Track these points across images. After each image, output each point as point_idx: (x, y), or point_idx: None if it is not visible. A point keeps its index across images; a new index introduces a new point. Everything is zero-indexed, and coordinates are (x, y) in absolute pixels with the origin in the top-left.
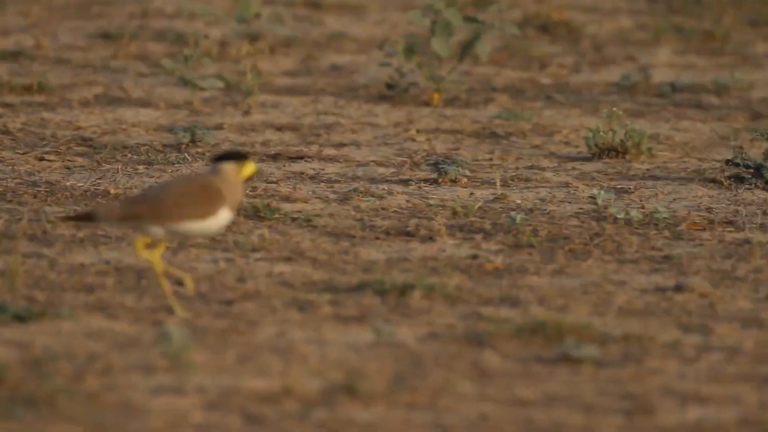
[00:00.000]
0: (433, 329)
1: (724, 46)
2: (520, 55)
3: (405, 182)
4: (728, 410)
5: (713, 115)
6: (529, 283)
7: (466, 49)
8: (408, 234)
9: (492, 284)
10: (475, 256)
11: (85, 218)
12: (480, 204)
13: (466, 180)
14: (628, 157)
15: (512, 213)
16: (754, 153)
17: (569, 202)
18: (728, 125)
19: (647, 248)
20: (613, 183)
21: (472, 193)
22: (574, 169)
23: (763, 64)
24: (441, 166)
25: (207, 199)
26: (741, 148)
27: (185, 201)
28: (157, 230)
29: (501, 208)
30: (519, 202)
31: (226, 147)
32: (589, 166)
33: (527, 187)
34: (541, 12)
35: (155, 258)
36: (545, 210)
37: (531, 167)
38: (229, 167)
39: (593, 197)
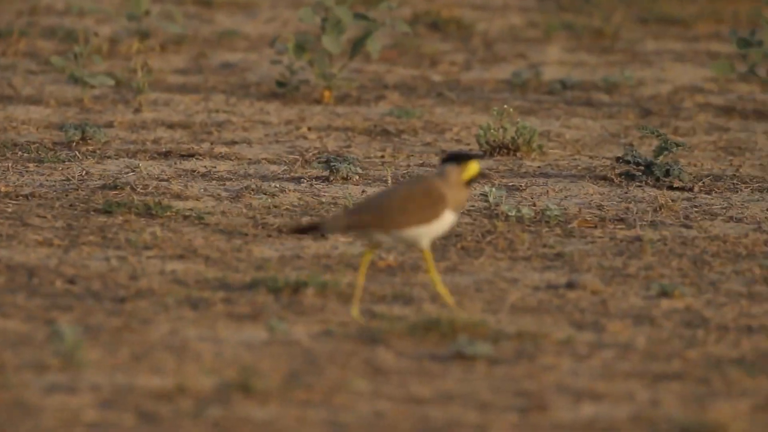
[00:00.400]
0: (327, 327)
1: (614, 43)
2: (411, 52)
3: (297, 180)
4: (621, 407)
5: (603, 113)
6: (422, 281)
7: (356, 47)
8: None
9: (385, 282)
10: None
11: (312, 230)
12: None
13: (357, 177)
14: (519, 154)
15: None
16: (644, 150)
17: None
18: (618, 123)
19: (539, 246)
20: (504, 180)
21: (364, 191)
22: None
23: (652, 61)
24: (333, 163)
25: (431, 203)
26: (631, 145)
27: (410, 207)
28: (384, 238)
29: None
30: None
31: (454, 149)
32: (480, 164)
33: None
34: (431, 9)
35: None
36: None
37: (422, 164)
38: (451, 169)
39: (485, 195)
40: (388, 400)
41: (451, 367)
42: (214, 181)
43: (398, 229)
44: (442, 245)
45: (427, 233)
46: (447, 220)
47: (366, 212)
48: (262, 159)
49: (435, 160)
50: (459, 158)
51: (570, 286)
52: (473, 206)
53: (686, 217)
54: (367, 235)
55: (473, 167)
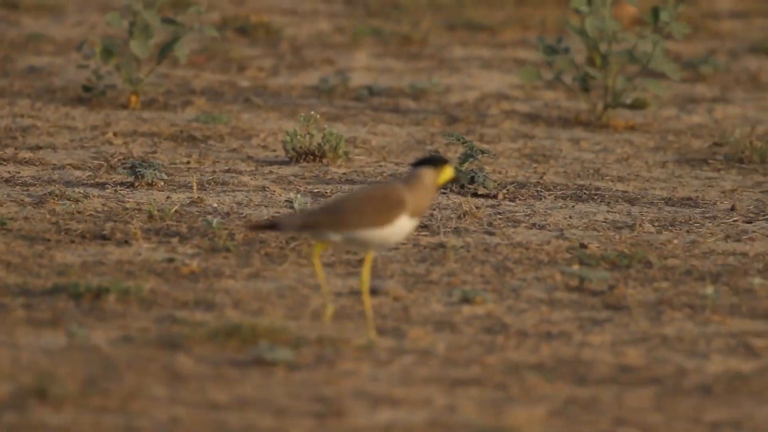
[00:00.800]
0: (128, 333)
1: (422, 50)
2: (219, 57)
3: (101, 186)
4: (418, 412)
5: (410, 120)
6: (225, 287)
7: (164, 52)
8: (104, 237)
9: (188, 288)
10: (171, 260)
11: (268, 227)
12: (177, 207)
13: (162, 183)
14: (325, 161)
15: (209, 217)
16: (450, 157)
17: (266, 206)
18: (425, 129)
19: (343, 252)
20: (310, 187)
21: (168, 197)
22: (271, 173)
23: (459, 68)
24: (138, 169)
25: (387, 207)
26: (437, 152)
27: (365, 209)
28: (336, 238)
29: (197, 211)
30: (216, 205)
31: (426, 153)
32: (286, 170)
33: (224, 191)
34: (239, 14)
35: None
36: (242, 214)
37: (228, 171)
38: (426, 172)
39: (290, 201)
40: (185, 405)
41: (250, 373)
42: (17, 187)
43: (350, 230)
44: (246, 251)
45: (379, 237)
46: (402, 225)
47: (322, 212)
48: (67, 164)
49: (242, 165)
50: (435, 162)
51: (373, 292)
52: (278, 213)
53: (490, 224)
54: (321, 234)
55: (448, 171)
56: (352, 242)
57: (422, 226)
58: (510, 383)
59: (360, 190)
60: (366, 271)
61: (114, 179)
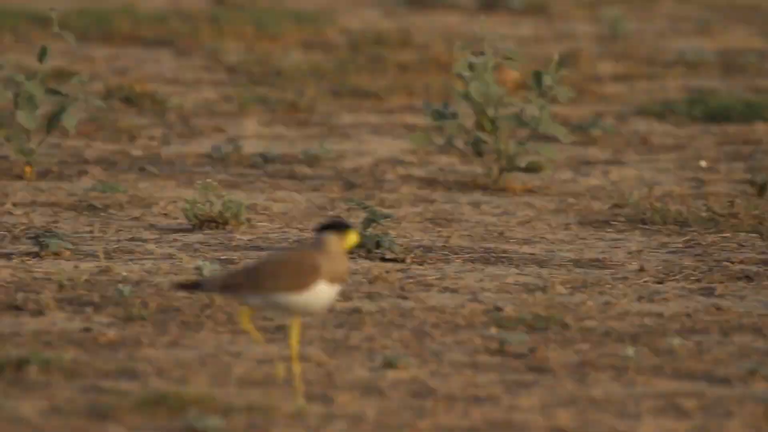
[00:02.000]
0: (54, 403)
1: (310, 116)
2: (108, 127)
3: (7, 256)
4: None
5: (308, 186)
6: (146, 355)
7: (52, 122)
8: (17, 308)
9: (108, 357)
10: (87, 329)
11: (193, 287)
12: (86, 277)
13: (69, 253)
14: (228, 227)
15: (120, 285)
16: (353, 222)
17: (175, 274)
18: (323, 195)
19: (259, 318)
20: (217, 254)
21: (76, 266)
22: (176, 240)
23: (349, 134)
24: (42, 239)
25: (302, 272)
26: (339, 217)
27: (282, 272)
28: (256, 301)
29: (107, 280)
30: (125, 274)
31: (327, 218)
32: (191, 237)
33: (132, 259)
34: (123, 84)
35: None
36: (152, 282)
37: (132, 239)
38: (330, 238)
39: (199, 268)
40: None
41: None
42: None
43: (269, 293)
44: (161, 320)
45: (296, 302)
46: (321, 291)
47: (241, 274)
48: None
49: (146, 234)
50: (338, 227)
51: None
52: (188, 281)
53: (402, 288)
54: (242, 296)
55: (352, 236)
56: (272, 306)
57: None
58: None
59: (275, 254)
60: (294, 335)
61: (19, 249)
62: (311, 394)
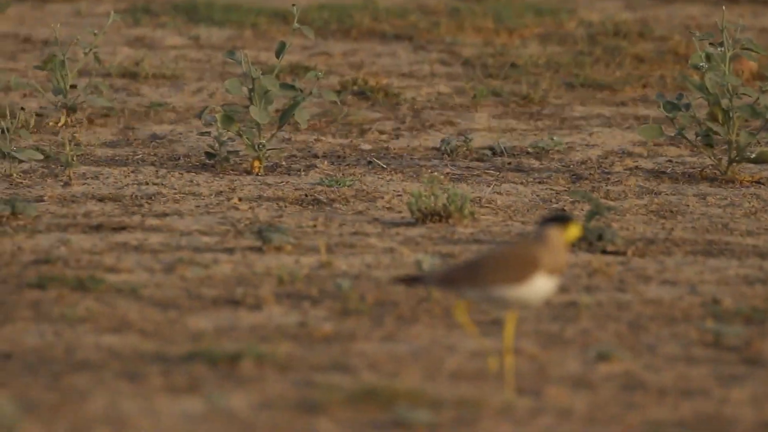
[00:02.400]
0: (266, 397)
1: (542, 109)
2: (339, 121)
3: (230, 251)
4: None
5: (534, 178)
6: (360, 349)
7: (284, 117)
8: (235, 302)
9: (322, 351)
10: (303, 324)
11: (413, 281)
12: (306, 271)
13: (290, 247)
14: (451, 221)
15: (339, 279)
16: (576, 215)
17: (395, 268)
18: (549, 188)
19: (475, 312)
20: (437, 248)
21: (297, 261)
22: (398, 234)
23: (579, 126)
24: (265, 233)
25: (521, 264)
26: (563, 210)
27: (500, 266)
28: (474, 294)
29: (327, 274)
30: (345, 268)
31: (551, 211)
32: (413, 231)
33: (352, 253)
34: (358, 78)
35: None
36: (372, 276)
37: (355, 233)
38: (553, 231)
39: (419, 262)
40: None
41: None
42: (146, 254)
43: (486, 287)
44: (378, 313)
45: (515, 295)
46: (540, 284)
47: (461, 268)
48: (194, 230)
49: (368, 228)
50: (561, 220)
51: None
52: (408, 274)
53: (621, 281)
54: (460, 290)
55: (575, 229)
56: (489, 300)
57: None
58: None
59: (497, 248)
60: (509, 329)
61: (242, 244)
62: (522, 388)
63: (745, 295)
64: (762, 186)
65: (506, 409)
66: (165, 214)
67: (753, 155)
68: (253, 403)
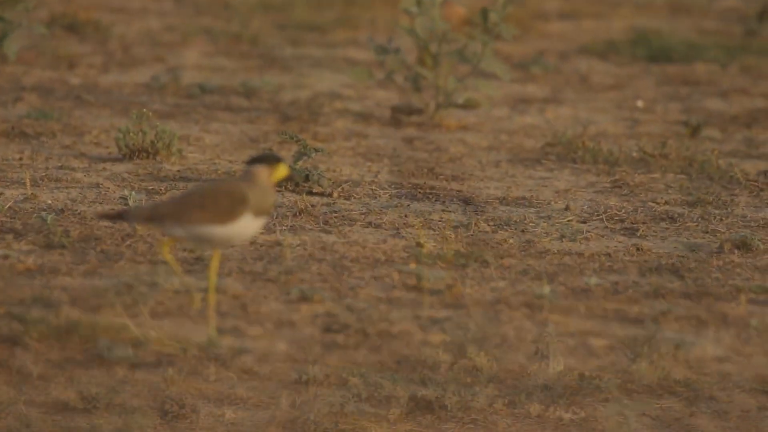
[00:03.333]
0: None
1: (253, 49)
2: (48, 54)
3: None
4: (263, 412)
5: (243, 118)
6: (62, 284)
7: None
8: None
9: (24, 285)
10: (6, 257)
11: (117, 217)
12: (10, 204)
13: None
14: (159, 158)
15: (43, 213)
16: (284, 156)
17: (100, 203)
18: (258, 128)
19: (179, 250)
20: (144, 184)
21: (1, 193)
22: (105, 169)
23: (290, 67)
24: None
25: (230, 203)
26: (270, 150)
27: (208, 205)
28: (179, 232)
29: (31, 208)
30: (50, 202)
31: (258, 151)
32: (120, 167)
33: (58, 188)
34: (68, 11)
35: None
36: (77, 210)
37: (61, 167)
38: (260, 170)
39: (125, 198)
40: (31, 406)
41: (92, 372)
42: None
43: (192, 225)
44: (81, 248)
45: (222, 234)
46: (247, 224)
47: (167, 205)
48: None
49: (75, 162)
50: (268, 160)
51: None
52: (113, 209)
53: (326, 223)
54: (166, 228)
55: (282, 169)
56: (195, 238)
57: None
58: (354, 383)
59: (203, 185)
60: (213, 268)
61: None
62: (224, 327)
63: (448, 239)
64: (468, 131)
65: (209, 347)
66: None
67: (461, 101)
68: None
